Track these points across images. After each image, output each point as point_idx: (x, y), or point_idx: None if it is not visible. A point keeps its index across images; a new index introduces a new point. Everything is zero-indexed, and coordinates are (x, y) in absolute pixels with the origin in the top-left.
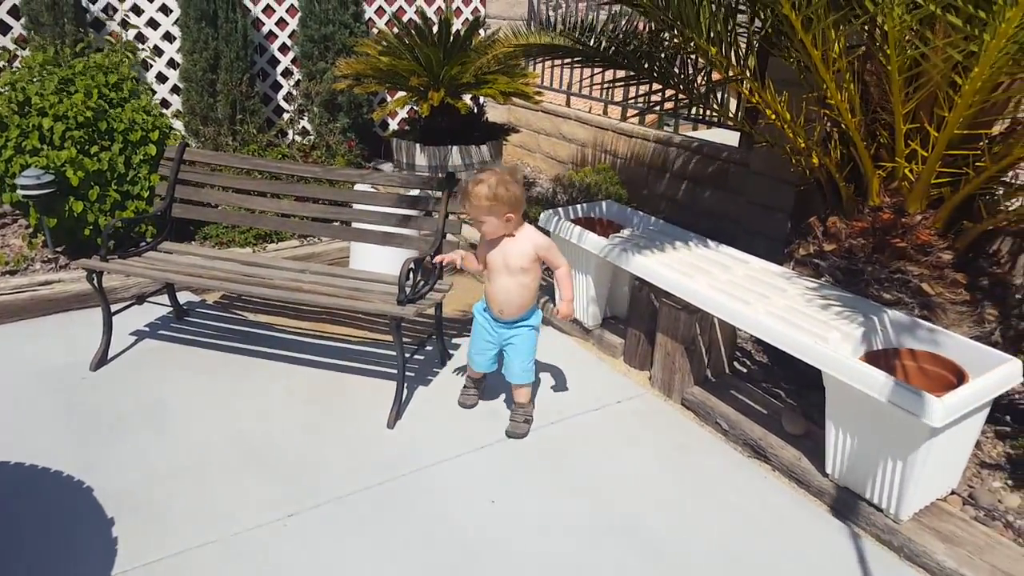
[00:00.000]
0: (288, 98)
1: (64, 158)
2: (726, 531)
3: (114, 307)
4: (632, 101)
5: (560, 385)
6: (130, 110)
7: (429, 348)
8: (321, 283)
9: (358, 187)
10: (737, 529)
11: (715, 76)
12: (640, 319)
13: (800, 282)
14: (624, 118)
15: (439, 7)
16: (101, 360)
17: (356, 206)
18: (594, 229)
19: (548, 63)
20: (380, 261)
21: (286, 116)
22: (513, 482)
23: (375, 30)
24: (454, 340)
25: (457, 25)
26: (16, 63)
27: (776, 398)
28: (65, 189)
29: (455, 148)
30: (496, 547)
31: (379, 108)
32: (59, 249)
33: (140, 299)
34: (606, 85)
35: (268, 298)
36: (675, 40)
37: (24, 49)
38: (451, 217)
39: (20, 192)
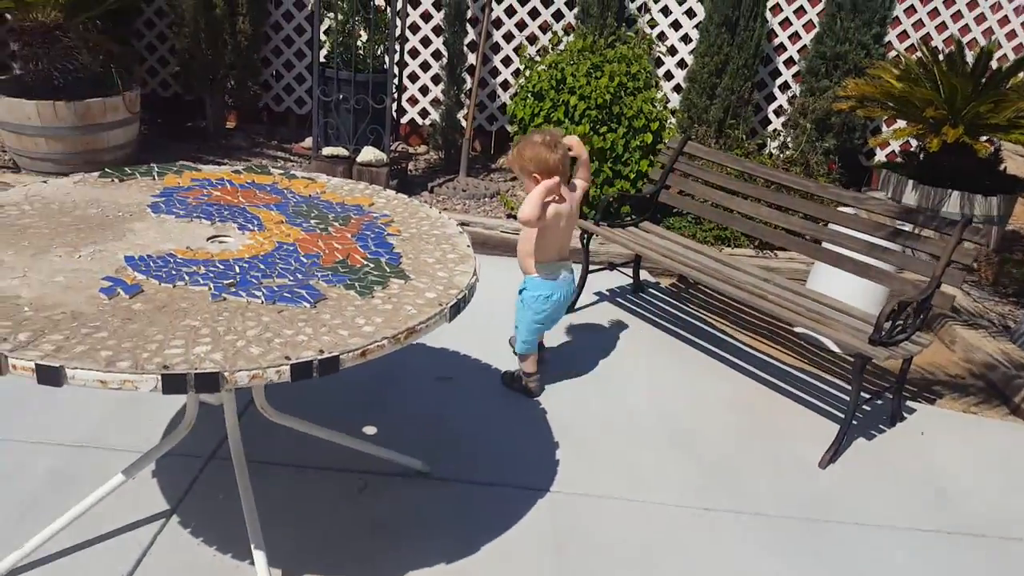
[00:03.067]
0: (777, 111)
1: (579, 132)
2: None
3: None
4: None
5: None
6: (640, 100)
7: (879, 401)
8: (784, 297)
9: (842, 211)
10: None
11: None
12: None
13: None
14: None
15: (974, 39)
16: (570, 307)
17: (833, 227)
18: None
19: None
20: (842, 289)
21: (770, 127)
22: None
23: (891, 54)
24: (909, 403)
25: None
26: (560, 46)
27: None
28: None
29: (956, 193)
30: None
31: (872, 135)
32: None
33: (612, 266)
34: None
35: (730, 296)
36: None
37: (567, 35)
38: (952, 267)
39: None
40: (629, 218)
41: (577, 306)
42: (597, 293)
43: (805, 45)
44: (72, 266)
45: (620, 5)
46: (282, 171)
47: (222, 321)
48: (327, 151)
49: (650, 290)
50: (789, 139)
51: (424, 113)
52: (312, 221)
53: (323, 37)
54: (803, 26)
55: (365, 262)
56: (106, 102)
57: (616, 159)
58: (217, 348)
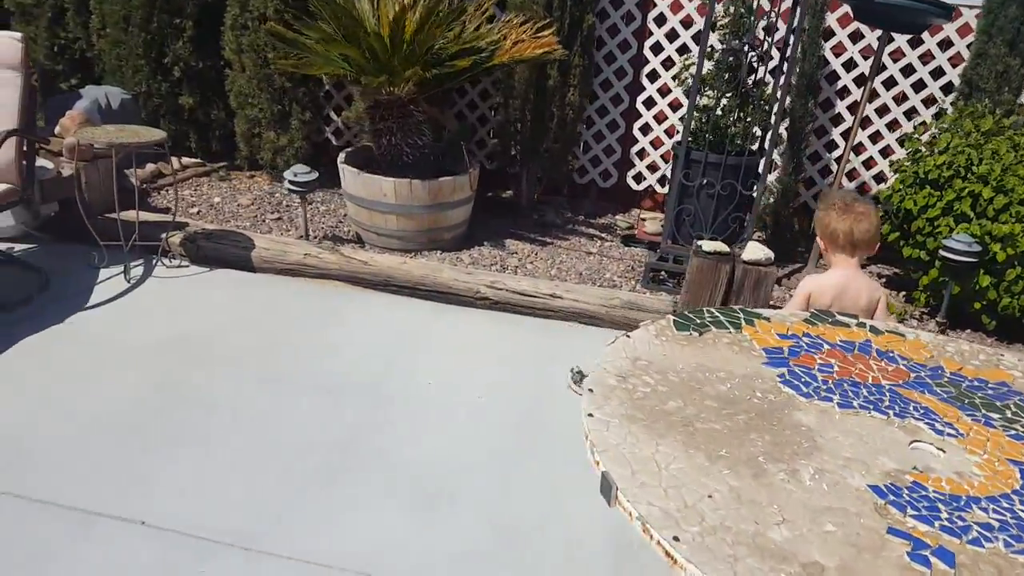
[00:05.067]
0: None
1: (1001, 232)
2: None
3: None
4: None
5: None
6: None
7: None
8: None
9: None
10: None
11: None
12: None
13: None
14: None
15: None
16: None
17: None
18: None
19: None
20: None
21: None
22: None
23: None
24: None
25: None
26: (945, 126)
27: None
28: (981, 262)
29: None
30: None
31: None
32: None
33: None
34: None
35: None
36: None
37: (937, 107)
38: None
39: (941, 252)
40: None
41: None
42: None
43: None
44: (821, 502)
45: (1022, 78)
46: (858, 322)
47: None
48: (707, 246)
49: None
50: None
51: None
52: (994, 416)
53: (641, 109)
54: None
55: None
56: (455, 181)
57: None
58: None
